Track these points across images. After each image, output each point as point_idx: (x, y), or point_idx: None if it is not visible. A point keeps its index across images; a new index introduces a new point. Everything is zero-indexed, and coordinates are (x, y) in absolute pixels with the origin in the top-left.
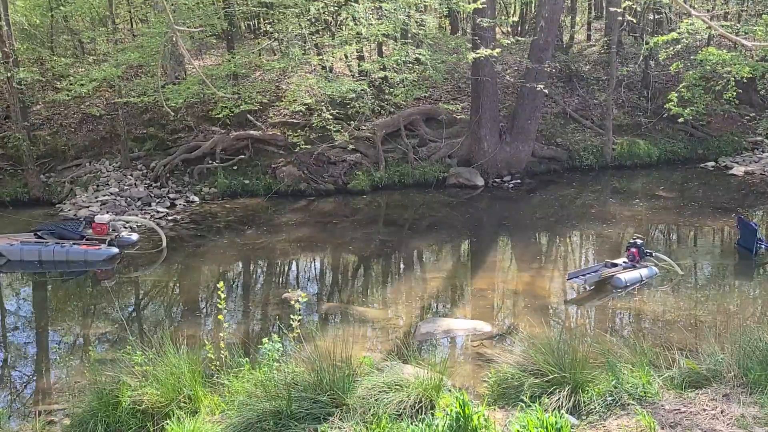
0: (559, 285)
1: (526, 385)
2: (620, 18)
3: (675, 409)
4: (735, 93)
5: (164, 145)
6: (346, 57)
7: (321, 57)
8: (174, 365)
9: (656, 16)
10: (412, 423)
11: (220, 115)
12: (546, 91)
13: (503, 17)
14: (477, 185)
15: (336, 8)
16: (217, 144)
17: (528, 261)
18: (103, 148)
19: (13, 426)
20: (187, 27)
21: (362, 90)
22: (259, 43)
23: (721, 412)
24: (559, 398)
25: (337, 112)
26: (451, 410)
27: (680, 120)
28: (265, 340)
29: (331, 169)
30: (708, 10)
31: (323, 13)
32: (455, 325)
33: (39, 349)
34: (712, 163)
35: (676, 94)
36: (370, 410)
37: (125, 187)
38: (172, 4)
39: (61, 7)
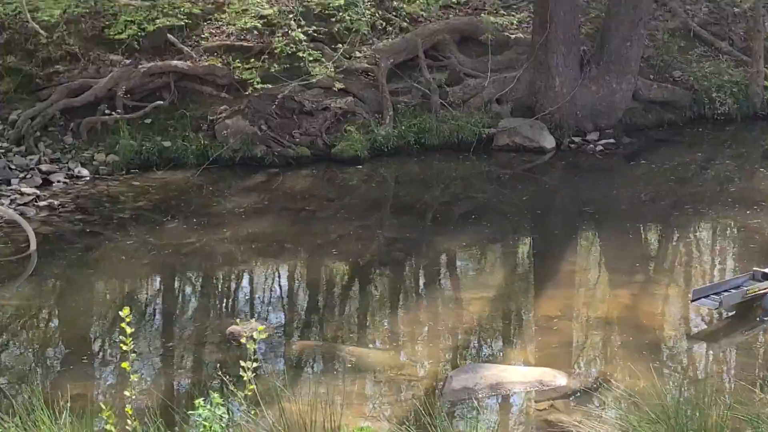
0: (678, 309)
1: None
2: None
3: None
4: None
5: (32, 85)
6: None
7: None
8: None
9: None
10: None
11: (123, 36)
12: None
13: None
14: (544, 148)
15: None
16: (118, 82)
17: (627, 271)
18: None
19: None
20: None
21: None
22: None
23: None
24: None
25: (315, 30)
26: None
27: None
28: (198, 401)
29: (305, 123)
30: None
31: None
32: (509, 375)
33: None
34: None
35: None
36: None
37: None
38: None
39: None
